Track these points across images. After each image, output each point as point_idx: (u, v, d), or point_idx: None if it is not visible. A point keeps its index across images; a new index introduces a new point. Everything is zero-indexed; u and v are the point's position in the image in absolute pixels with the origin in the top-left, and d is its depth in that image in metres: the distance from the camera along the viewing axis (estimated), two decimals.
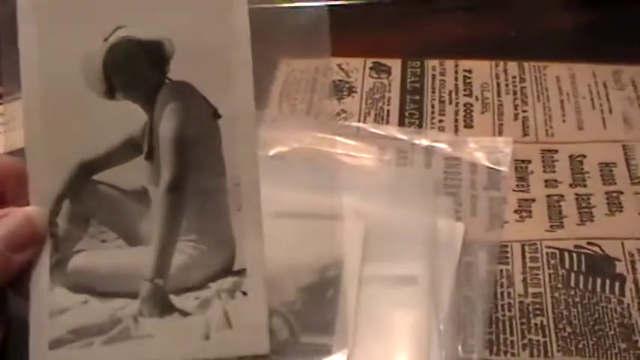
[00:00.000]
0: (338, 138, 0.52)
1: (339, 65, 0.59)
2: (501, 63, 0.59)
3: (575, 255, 0.46)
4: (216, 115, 0.37)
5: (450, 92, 0.57)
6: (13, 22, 0.38)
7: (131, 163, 0.38)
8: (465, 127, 0.54)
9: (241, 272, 0.37)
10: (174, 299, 0.36)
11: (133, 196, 0.38)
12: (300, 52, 0.54)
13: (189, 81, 0.37)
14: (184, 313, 0.36)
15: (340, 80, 0.58)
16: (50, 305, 0.36)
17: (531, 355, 0.41)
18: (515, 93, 0.57)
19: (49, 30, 0.37)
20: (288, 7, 0.55)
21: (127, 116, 0.38)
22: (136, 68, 0.38)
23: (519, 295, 0.44)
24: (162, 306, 0.36)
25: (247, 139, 0.37)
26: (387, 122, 0.55)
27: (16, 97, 0.38)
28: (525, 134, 0.54)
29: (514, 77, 0.58)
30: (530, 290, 0.44)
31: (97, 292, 0.37)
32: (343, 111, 0.56)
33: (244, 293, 0.36)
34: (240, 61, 0.37)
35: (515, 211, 0.49)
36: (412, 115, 0.55)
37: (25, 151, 0.37)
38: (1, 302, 0.37)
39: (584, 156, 0.52)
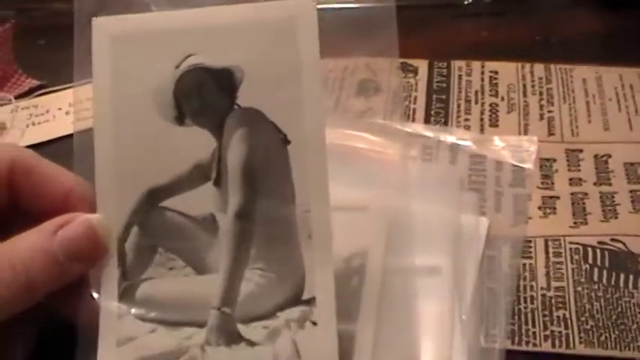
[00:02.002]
0: (364, 134, 0.53)
1: (366, 64, 0.60)
2: (527, 65, 0.60)
3: (598, 251, 0.46)
4: (285, 141, 0.37)
5: (476, 92, 0.58)
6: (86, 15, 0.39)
7: (199, 189, 0.38)
8: (491, 126, 0.55)
9: (310, 301, 0.36)
10: (241, 328, 0.36)
11: (200, 223, 0.38)
12: (366, 52, 0.55)
13: (258, 107, 0.37)
14: (252, 344, 0.36)
15: (368, 79, 0.59)
16: (118, 333, 0.36)
17: (553, 346, 0.42)
18: (541, 94, 0.57)
19: (123, 59, 0.38)
20: (355, 7, 0.56)
21: (195, 142, 0.38)
22: (206, 95, 0.38)
23: (542, 288, 0.44)
24: (229, 335, 0.36)
25: (317, 165, 0.37)
26: (414, 120, 0.56)
27: (87, 82, 0.39)
28: (551, 134, 0.54)
29: (540, 78, 0.58)
30: (553, 284, 0.44)
31: (165, 320, 0.36)
32: (370, 109, 0.56)
33: (314, 323, 0.36)
34: (309, 87, 0.37)
35: (539, 208, 0.49)
36: (438, 113, 0.56)
37: (95, 177, 0.37)
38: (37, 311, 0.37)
39: (609, 156, 0.52)
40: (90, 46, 0.38)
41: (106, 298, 0.36)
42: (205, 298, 0.36)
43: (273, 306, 0.36)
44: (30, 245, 0.34)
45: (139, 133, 0.38)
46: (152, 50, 0.38)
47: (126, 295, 0.36)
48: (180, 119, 0.38)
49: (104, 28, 0.38)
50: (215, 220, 0.37)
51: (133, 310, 0.36)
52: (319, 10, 0.38)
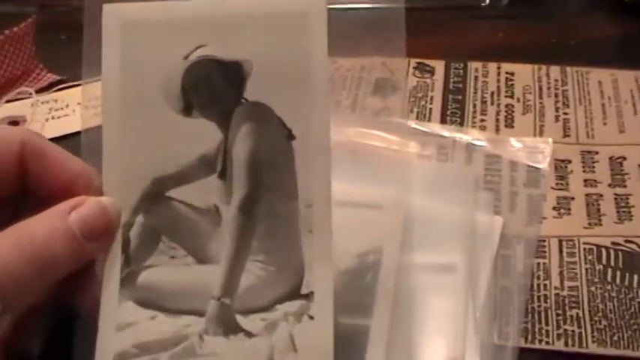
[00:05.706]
0: (381, 133, 0.54)
1: (383, 63, 0.60)
2: (544, 67, 0.60)
3: (612, 251, 0.46)
4: (290, 136, 0.37)
5: (492, 93, 0.58)
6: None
7: (204, 181, 0.38)
8: (506, 127, 0.55)
9: (309, 296, 0.36)
10: (240, 319, 0.36)
11: (204, 213, 0.38)
12: (375, 51, 0.55)
13: (265, 102, 0.37)
14: (250, 334, 0.36)
15: (384, 78, 0.59)
16: (118, 318, 0.36)
17: (566, 344, 0.42)
18: (556, 96, 0.58)
19: (133, 46, 0.38)
20: (364, 7, 0.56)
21: (202, 134, 0.38)
22: (214, 87, 0.38)
23: (555, 287, 0.45)
24: (228, 325, 0.36)
25: (321, 161, 0.37)
26: (429, 120, 0.56)
27: (96, 79, 0.39)
28: (566, 135, 0.54)
29: (556, 80, 0.59)
30: (567, 284, 0.45)
31: (165, 308, 0.37)
32: (386, 108, 0.57)
33: (311, 317, 0.36)
34: (317, 84, 0.37)
35: (554, 208, 0.49)
36: (454, 114, 0.57)
37: (102, 164, 0.37)
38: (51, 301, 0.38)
39: (624, 158, 0.52)
40: (99, 42, 0.38)
41: (108, 284, 0.36)
42: (206, 288, 0.37)
43: (272, 299, 0.37)
44: (48, 223, 0.34)
45: (146, 121, 0.38)
46: (162, 39, 0.38)
47: (127, 281, 0.37)
48: (187, 110, 0.38)
49: (115, 14, 0.38)
50: (219, 212, 0.38)
51: (133, 296, 0.37)
52: (330, 9, 0.38)
